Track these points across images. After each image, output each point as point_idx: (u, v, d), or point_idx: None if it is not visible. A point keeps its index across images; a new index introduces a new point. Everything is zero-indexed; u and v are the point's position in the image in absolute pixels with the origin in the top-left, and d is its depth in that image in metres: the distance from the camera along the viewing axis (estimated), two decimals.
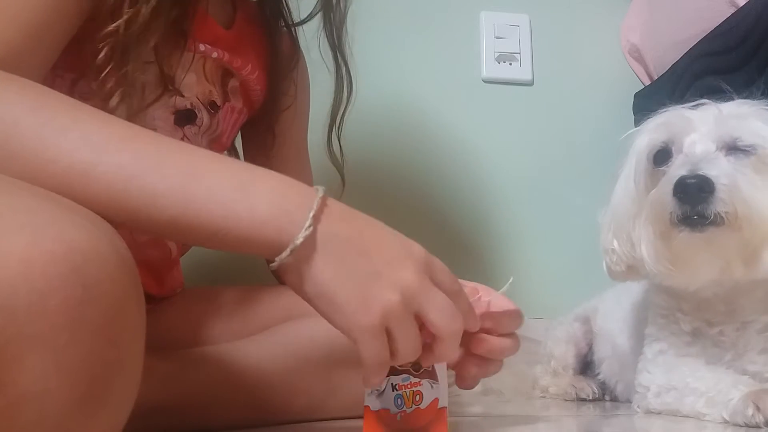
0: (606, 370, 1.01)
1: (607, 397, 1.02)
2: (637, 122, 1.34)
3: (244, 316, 0.83)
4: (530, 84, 1.38)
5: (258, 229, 0.48)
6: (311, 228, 0.48)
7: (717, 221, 0.68)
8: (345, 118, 0.92)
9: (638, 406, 0.80)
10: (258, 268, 0.98)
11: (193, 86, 0.79)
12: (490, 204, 1.32)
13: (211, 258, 1.14)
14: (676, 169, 0.71)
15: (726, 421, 0.67)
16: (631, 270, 0.79)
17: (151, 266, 0.83)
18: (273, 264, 0.49)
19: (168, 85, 0.71)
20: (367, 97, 1.31)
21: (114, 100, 0.63)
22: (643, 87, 1.37)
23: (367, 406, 0.57)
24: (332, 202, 0.51)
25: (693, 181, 0.68)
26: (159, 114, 0.76)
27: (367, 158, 1.28)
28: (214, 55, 0.78)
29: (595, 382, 1.03)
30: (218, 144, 0.86)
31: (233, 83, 0.84)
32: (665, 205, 0.70)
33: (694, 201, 0.68)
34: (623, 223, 0.78)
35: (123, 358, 0.41)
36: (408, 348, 0.50)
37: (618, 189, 0.82)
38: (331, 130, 0.92)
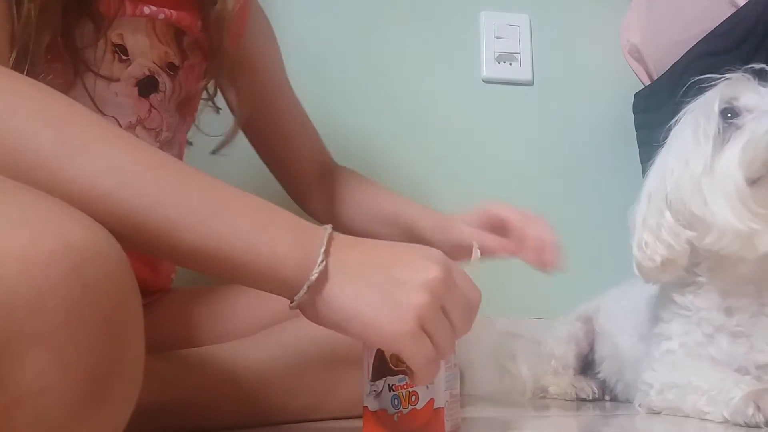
0: (606, 369, 1.01)
1: (607, 396, 1.02)
2: (637, 122, 1.35)
3: (243, 316, 0.83)
4: (530, 84, 1.38)
5: (278, 266, 0.49)
6: (323, 263, 0.49)
7: None
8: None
9: (640, 405, 0.80)
10: None
11: (147, 51, 0.76)
12: None
13: None
14: (761, 113, 0.70)
15: (726, 420, 0.67)
16: (666, 264, 0.77)
17: (142, 253, 0.82)
18: (292, 304, 0.50)
19: (84, 61, 0.69)
20: (367, 96, 1.31)
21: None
22: (643, 87, 1.37)
23: (366, 406, 0.57)
24: (339, 236, 0.51)
25: None
26: (120, 89, 0.74)
27: (367, 158, 1.28)
28: (161, 16, 0.75)
29: (595, 382, 1.03)
30: (186, 107, 0.83)
31: (187, 40, 0.80)
32: (763, 143, 0.67)
33: None
34: (680, 194, 0.76)
35: (124, 356, 0.41)
36: (447, 342, 0.51)
37: (659, 167, 0.80)
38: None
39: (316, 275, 0.49)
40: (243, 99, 0.86)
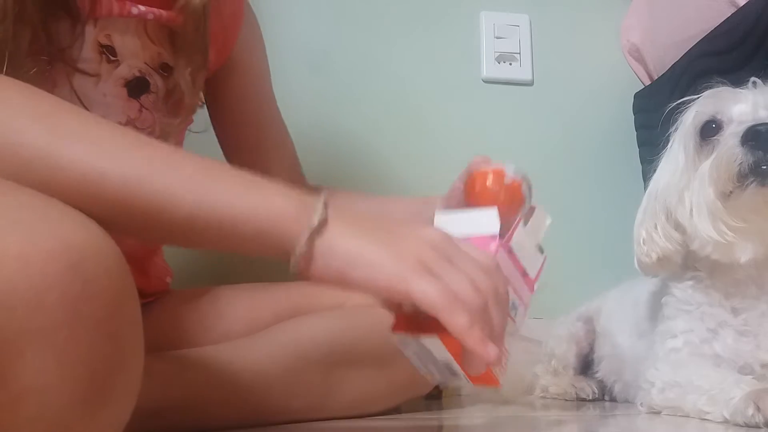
0: (605, 368, 1.01)
1: (606, 396, 1.02)
2: (637, 122, 1.35)
3: (242, 316, 0.83)
4: (530, 84, 1.38)
5: (277, 220, 0.48)
6: (324, 211, 0.48)
7: None
8: None
9: (641, 403, 0.80)
10: (254, 268, 0.98)
11: (139, 52, 0.75)
12: None
13: (207, 258, 1.14)
14: (732, 131, 0.71)
15: (726, 420, 0.67)
16: (662, 261, 0.79)
17: (130, 256, 0.82)
18: (293, 260, 0.48)
19: (64, 58, 0.69)
20: (367, 96, 1.31)
21: None
22: (643, 87, 1.37)
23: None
24: (336, 194, 0.51)
25: (763, 128, 0.67)
26: (109, 89, 0.73)
27: (366, 158, 1.28)
28: (150, 16, 0.74)
29: (595, 382, 1.03)
30: (182, 107, 0.82)
31: (181, 41, 0.79)
32: (732, 159, 0.69)
33: (766, 146, 0.67)
34: (668, 203, 0.78)
35: (123, 353, 0.41)
36: (466, 286, 0.47)
37: (661, 170, 0.82)
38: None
39: (317, 220, 0.48)
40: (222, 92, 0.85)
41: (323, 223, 0.48)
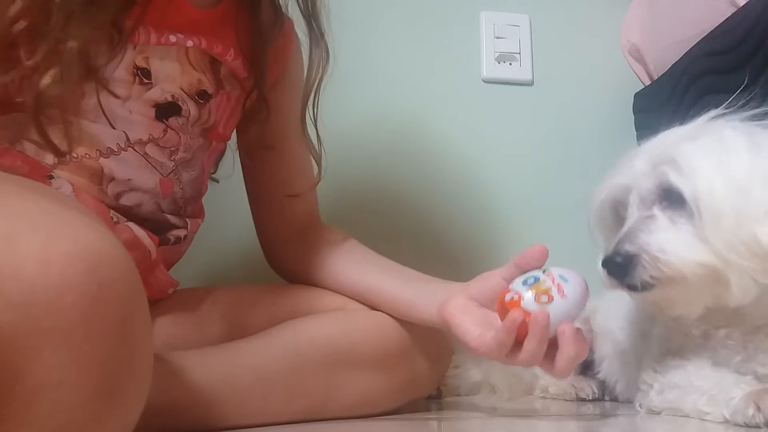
0: (606, 368, 1.01)
1: (607, 396, 1.02)
2: (637, 122, 1.35)
3: (242, 317, 0.83)
4: (530, 84, 1.38)
5: None
6: None
7: (648, 287, 0.70)
8: (320, 94, 0.87)
9: (640, 405, 0.80)
10: (256, 269, 0.98)
11: (176, 77, 0.76)
12: (490, 204, 1.32)
13: (208, 258, 1.14)
14: (623, 230, 0.73)
15: (727, 421, 0.67)
16: None
17: None
18: None
19: (97, 77, 0.69)
20: (367, 96, 1.31)
21: (46, 80, 0.62)
22: (643, 87, 1.37)
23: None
24: None
25: (618, 259, 0.70)
26: (136, 107, 0.74)
27: (367, 158, 1.28)
28: (189, 44, 0.75)
29: (595, 382, 1.02)
30: (214, 133, 0.83)
31: (225, 70, 0.81)
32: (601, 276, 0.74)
33: (620, 276, 0.70)
34: None
35: (135, 355, 0.43)
36: None
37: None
38: (305, 109, 0.87)
39: None
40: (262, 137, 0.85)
41: None
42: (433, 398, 0.96)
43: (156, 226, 0.79)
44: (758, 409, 0.63)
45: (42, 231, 0.40)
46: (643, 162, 0.75)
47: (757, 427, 0.63)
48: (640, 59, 1.38)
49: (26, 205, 0.43)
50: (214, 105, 0.81)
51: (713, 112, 0.76)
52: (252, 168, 0.91)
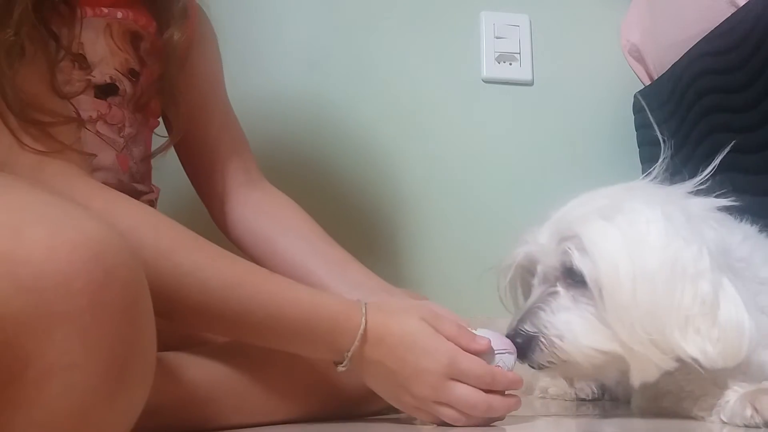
0: None
1: (607, 397, 1.02)
2: (637, 122, 1.35)
3: None
4: (530, 84, 1.38)
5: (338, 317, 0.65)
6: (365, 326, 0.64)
7: (549, 366, 0.71)
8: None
9: (638, 407, 0.80)
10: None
11: (108, 58, 0.75)
12: (490, 204, 1.32)
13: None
14: (526, 305, 0.73)
15: (724, 423, 0.67)
16: None
17: None
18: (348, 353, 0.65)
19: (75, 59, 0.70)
20: (367, 96, 1.31)
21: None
22: (643, 87, 1.37)
23: None
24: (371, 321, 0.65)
25: (519, 340, 0.70)
26: (77, 91, 0.73)
27: (367, 158, 1.28)
28: (119, 15, 0.75)
29: (595, 382, 1.02)
30: (148, 109, 0.82)
31: (144, 46, 0.79)
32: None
33: (524, 353, 0.70)
34: None
35: (140, 340, 0.45)
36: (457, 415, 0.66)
37: None
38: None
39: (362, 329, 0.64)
40: (181, 115, 0.83)
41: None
42: None
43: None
44: (756, 410, 0.63)
45: (47, 221, 0.42)
46: (548, 236, 0.73)
47: (757, 427, 0.63)
48: (640, 59, 1.38)
49: (30, 197, 0.45)
50: (144, 83, 0.80)
51: (647, 178, 0.75)
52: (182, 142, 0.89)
